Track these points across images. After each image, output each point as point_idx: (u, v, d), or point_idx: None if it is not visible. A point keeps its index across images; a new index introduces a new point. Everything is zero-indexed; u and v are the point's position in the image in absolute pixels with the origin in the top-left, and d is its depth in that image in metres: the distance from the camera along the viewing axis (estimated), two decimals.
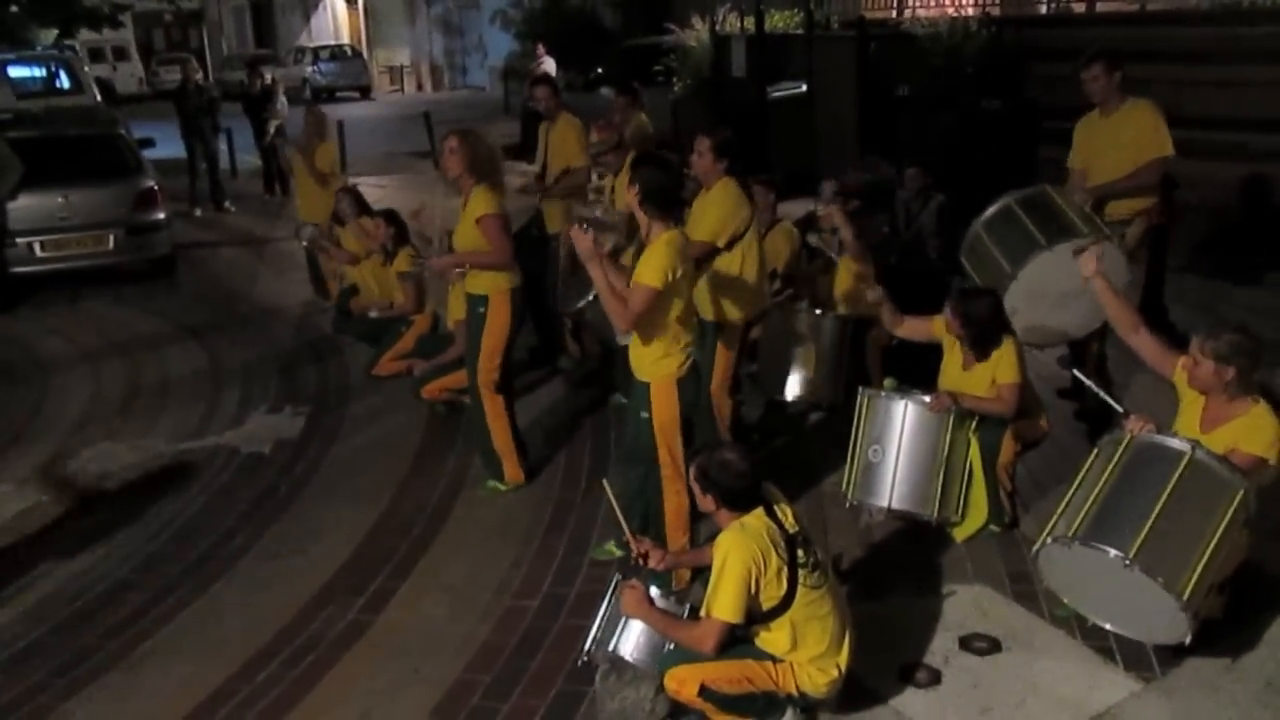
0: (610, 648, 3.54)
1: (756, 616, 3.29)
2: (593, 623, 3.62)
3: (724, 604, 3.23)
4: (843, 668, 3.40)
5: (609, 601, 3.61)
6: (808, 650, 3.34)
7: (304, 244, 8.57)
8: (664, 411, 4.18)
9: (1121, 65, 5.46)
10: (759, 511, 3.31)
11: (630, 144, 6.51)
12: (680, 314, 4.14)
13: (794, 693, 3.37)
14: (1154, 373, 4.09)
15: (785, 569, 3.26)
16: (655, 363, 4.16)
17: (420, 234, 7.07)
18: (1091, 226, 4.92)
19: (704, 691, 3.31)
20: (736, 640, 3.34)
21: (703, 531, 4.46)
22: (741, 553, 3.21)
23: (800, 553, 3.31)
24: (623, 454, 4.65)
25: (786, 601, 3.26)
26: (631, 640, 3.54)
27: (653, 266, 3.98)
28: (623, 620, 3.55)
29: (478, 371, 5.18)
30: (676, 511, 4.33)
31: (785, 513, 3.38)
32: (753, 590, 3.23)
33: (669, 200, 4.14)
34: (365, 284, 7.54)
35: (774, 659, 3.36)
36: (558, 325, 6.96)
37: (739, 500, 3.32)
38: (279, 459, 6.03)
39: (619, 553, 4.61)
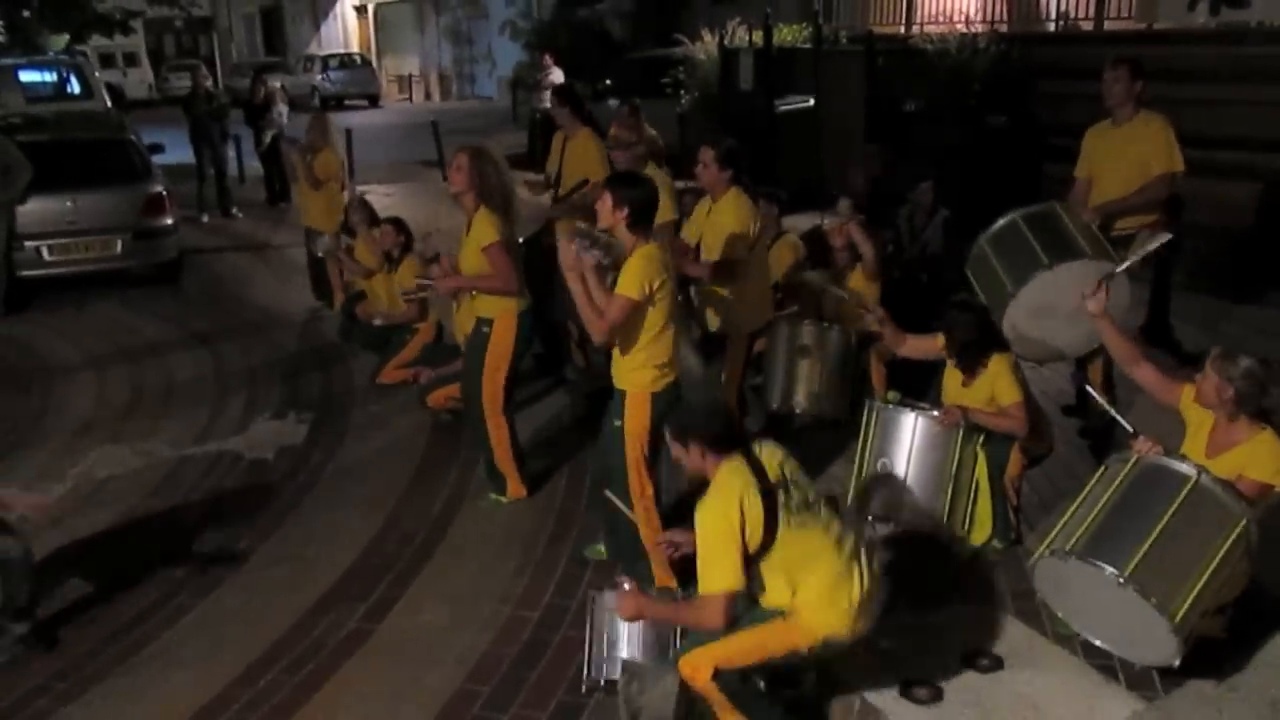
0: (621, 655, 3.50)
1: (746, 560, 3.21)
2: (587, 645, 3.60)
3: (718, 575, 3.17)
4: (855, 598, 3.26)
5: (591, 621, 3.59)
6: (809, 590, 3.24)
7: (320, 254, 8.55)
8: (635, 422, 4.22)
9: (1145, 76, 5.45)
10: (738, 462, 3.25)
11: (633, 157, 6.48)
12: (660, 329, 4.16)
13: (815, 643, 3.27)
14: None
15: (764, 515, 3.19)
16: (631, 372, 4.22)
17: (423, 254, 7.18)
18: (1097, 247, 4.91)
19: (718, 675, 3.23)
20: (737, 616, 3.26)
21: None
22: (718, 521, 3.16)
23: (782, 495, 3.24)
24: (596, 467, 4.60)
25: (767, 545, 3.20)
26: (634, 642, 3.51)
27: (632, 279, 4.08)
28: (616, 630, 3.53)
29: (482, 391, 5.11)
30: (653, 537, 4.22)
31: (770, 454, 3.33)
32: (743, 543, 3.16)
33: (650, 218, 4.24)
34: (374, 293, 7.55)
35: (781, 614, 3.28)
36: (563, 335, 6.96)
37: (721, 440, 3.27)
38: (282, 465, 6.03)
39: (607, 554, 4.64)
